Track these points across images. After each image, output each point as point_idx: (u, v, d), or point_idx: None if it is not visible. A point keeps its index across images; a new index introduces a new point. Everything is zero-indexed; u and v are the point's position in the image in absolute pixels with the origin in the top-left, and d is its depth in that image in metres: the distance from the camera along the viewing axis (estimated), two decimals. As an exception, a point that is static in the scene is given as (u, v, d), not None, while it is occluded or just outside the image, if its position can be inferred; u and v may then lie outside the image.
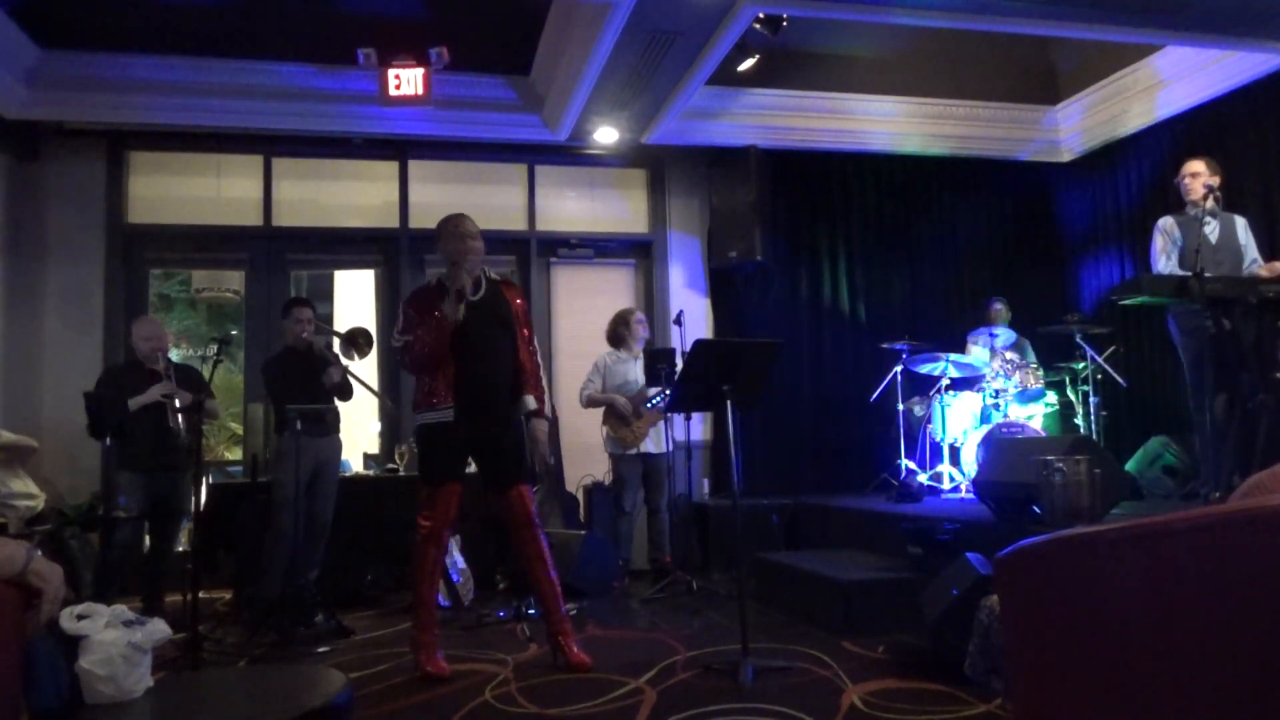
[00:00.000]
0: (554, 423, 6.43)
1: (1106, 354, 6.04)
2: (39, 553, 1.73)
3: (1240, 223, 4.94)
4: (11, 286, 6.09)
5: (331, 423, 5.11)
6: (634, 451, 5.88)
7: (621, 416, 5.86)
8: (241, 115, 6.26)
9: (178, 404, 4.83)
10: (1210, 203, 4.74)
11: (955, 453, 6.30)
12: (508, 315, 3.98)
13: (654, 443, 5.92)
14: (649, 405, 5.84)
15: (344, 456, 6.48)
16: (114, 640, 1.86)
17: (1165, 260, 4.84)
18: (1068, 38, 6.24)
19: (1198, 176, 4.83)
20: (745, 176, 6.91)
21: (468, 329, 3.80)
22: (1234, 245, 4.85)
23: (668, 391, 5.84)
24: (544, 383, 4.09)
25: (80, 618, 1.88)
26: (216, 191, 6.74)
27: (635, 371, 5.96)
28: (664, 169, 7.37)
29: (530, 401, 3.99)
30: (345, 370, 4.95)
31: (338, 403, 5.16)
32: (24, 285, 6.16)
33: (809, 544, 6.01)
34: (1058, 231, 7.78)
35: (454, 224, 4.06)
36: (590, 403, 5.98)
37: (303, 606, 4.70)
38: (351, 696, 1.95)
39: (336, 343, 4.97)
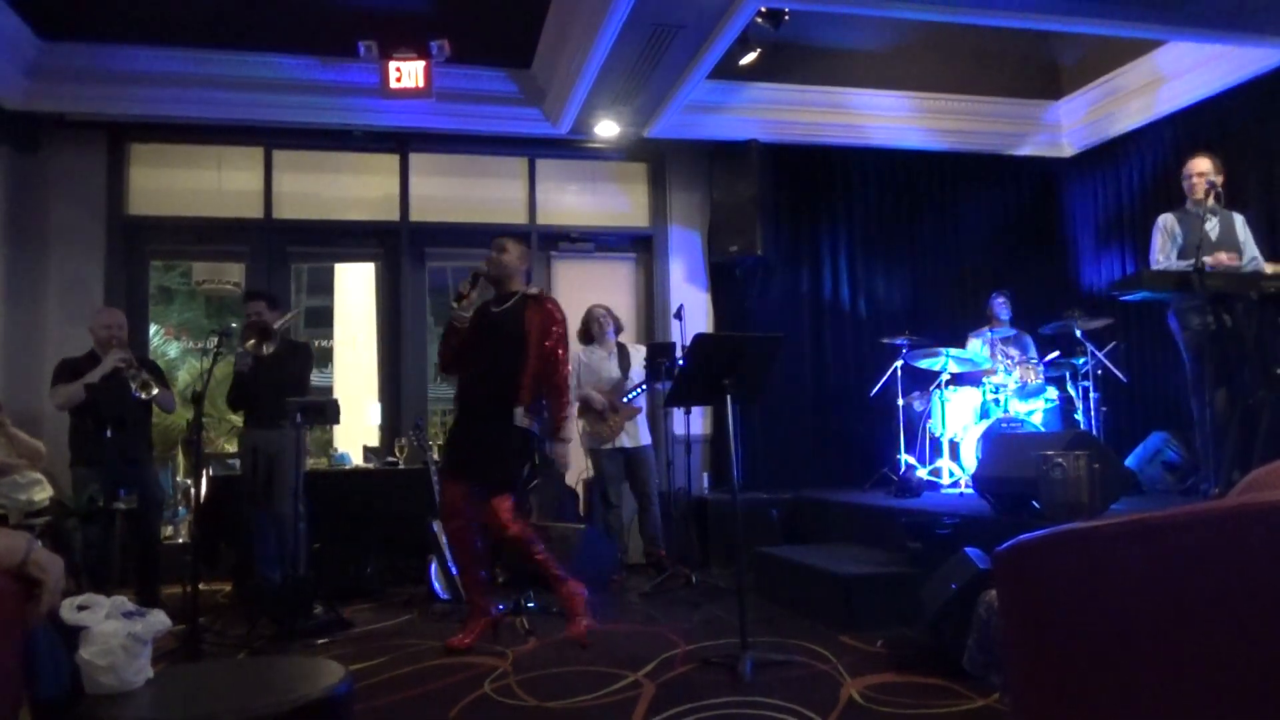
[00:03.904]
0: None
1: (1107, 349, 6.04)
2: (39, 544, 1.74)
3: (1239, 220, 4.94)
4: (12, 278, 6.09)
5: (282, 415, 4.87)
6: (611, 446, 5.89)
7: (598, 411, 5.86)
8: (242, 107, 6.25)
9: (143, 380, 4.79)
10: (1211, 200, 4.74)
11: (955, 448, 6.30)
12: (519, 332, 4.17)
13: (630, 437, 5.92)
14: (627, 399, 5.85)
15: (343, 449, 6.51)
16: (114, 631, 1.87)
17: (1164, 258, 4.84)
18: (1070, 32, 6.23)
19: (1203, 176, 4.83)
20: (746, 170, 6.90)
21: (476, 339, 4.21)
22: (1233, 242, 4.85)
23: (643, 385, 5.86)
24: (561, 403, 4.26)
25: (80, 609, 1.88)
26: (217, 183, 6.74)
27: (608, 366, 5.97)
28: (665, 163, 7.36)
29: (518, 415, 4.12)
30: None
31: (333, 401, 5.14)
32: (25, 277, 6.15)
33: (808, 538, 6.01)
34: (1059, 227, 7.77)
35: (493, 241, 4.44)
36: None
37: (302, 599, 4.71)
38: (351, 688, 1.96)
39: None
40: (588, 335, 6.06)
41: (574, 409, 4.20)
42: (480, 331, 4.24)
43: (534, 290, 4.34)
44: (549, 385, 4.21)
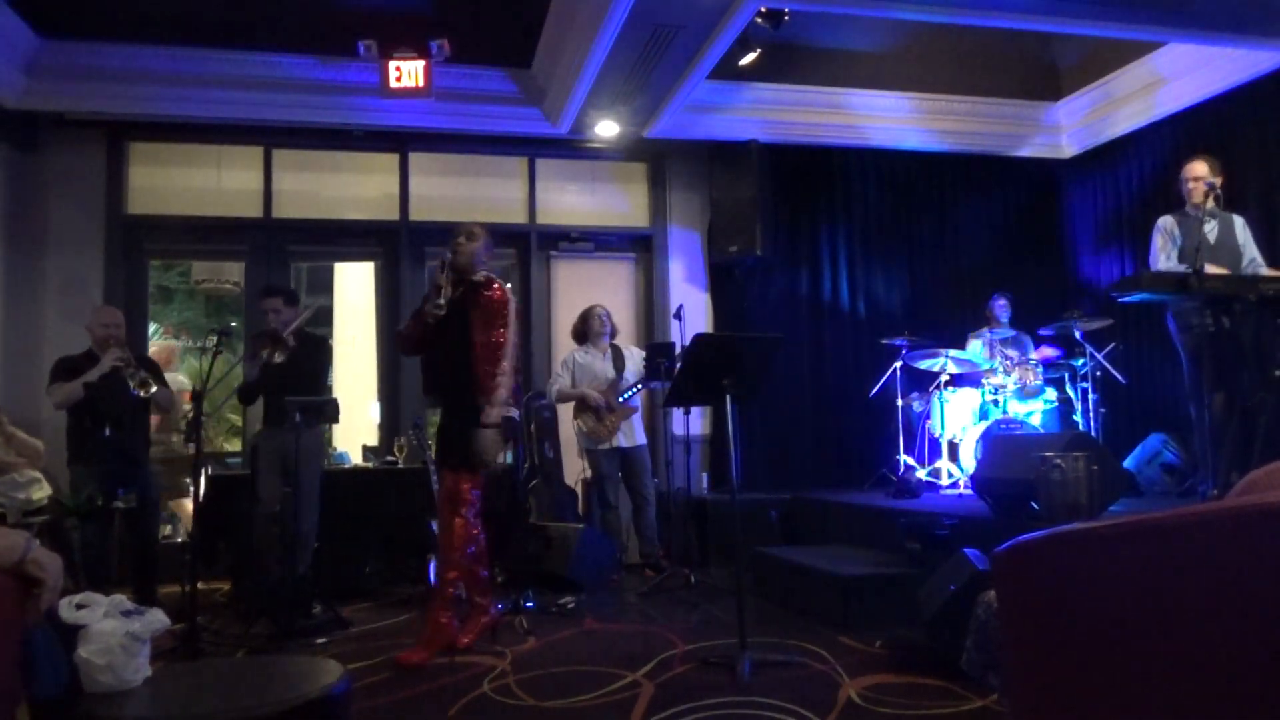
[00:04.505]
0: (553, 416, 6.44)
1: (1106, 351, 6.05)
2: (38, 542, 1.74)
3: (1239, 222, 4.94)
4: (11, 277, 6.08)
5: (302, 413, 4.80)
6: (607, 445, 5.90)
7: (594, 411, 5.87)
8: (242, 106, 6.25)
9: (140, 380, 4.76)
10: (1210, 203, 4.74)
11: (954, 449, 6.30)
12: (463, 321, 4.07)
13: (626, 436, 5.93)
14: (623, 398, 5.86)
15: (342, 448, 6.50)
16: (112, 630, 1.87)
17: (1165, 259, 4.84)
18: (1069, 34, 6.23)
19: (1200, 180, 4.83)
20: (746, 171, 6.90)
21: (440, 328, 4.07)
22: (1233, 245, 4.85)
23: (639, 385, 5.87)
24: (495, 390, 4.01)
25: (79, 607, 1.88)
26: (216, 183, 6.73)
27: (604, 366, 5.98)
28: (665, 163, 7.36)
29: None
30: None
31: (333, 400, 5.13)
32: (24, 276, 6.15)
33: (807, 539, 6.02)
34: (1058, 228, 7.77)
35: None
36: (560, 398, 6.01)
37: (300, 598, 4.70)
38: (350, 687, 1.96)
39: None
40: (583, 334, 6.08)
41: (500, 391, 4.01)
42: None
43: (480, 276, 4.15)
44: (488, 362, 4.03)
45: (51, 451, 5.15)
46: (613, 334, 6.10)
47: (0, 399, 5.49)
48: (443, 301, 4.03)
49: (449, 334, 4.08)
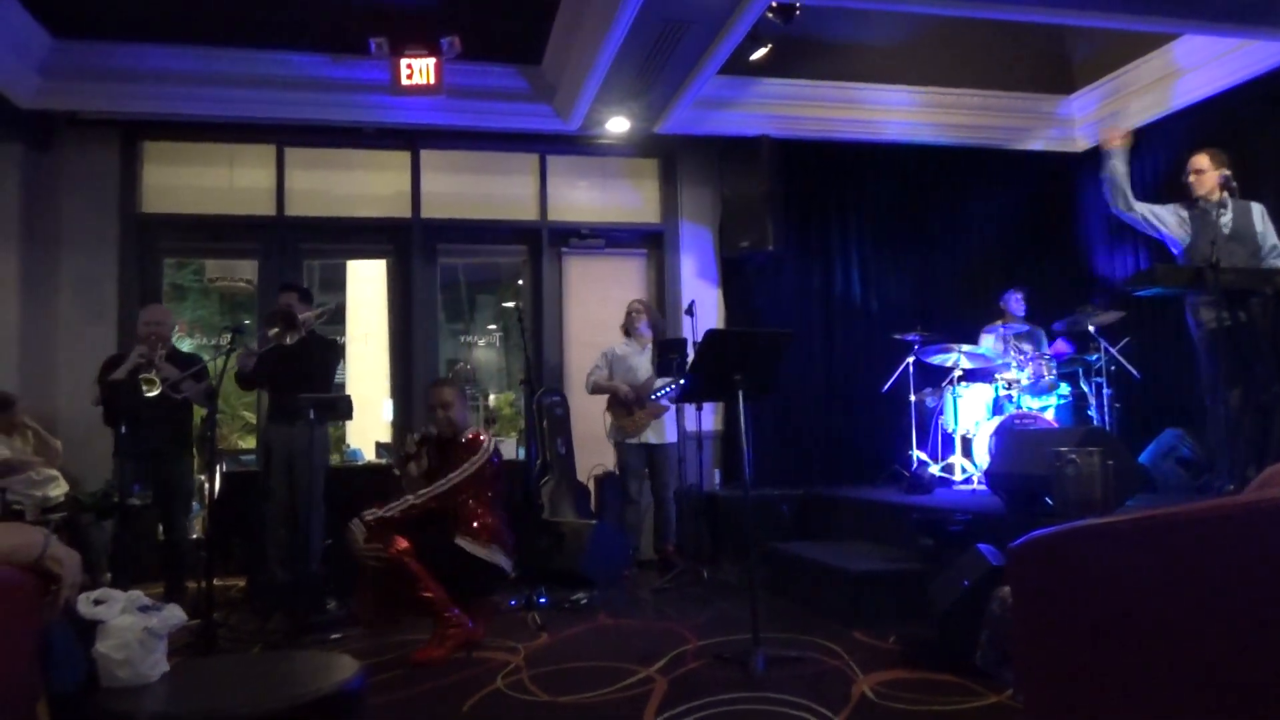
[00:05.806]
0: (565, 414, 6.46)
1: (1120, 345, 6.01)
2: (56, 538, 1.75)
3: (1257, 209, 4.87)
4: (26, 275, 6.12)
5: (315, 410, 4.88)
6: (635, 440, 5.91)
7: (624, 404, 5.89)
8: (254, 105, 6.27)
9: (156, 377, 4.71)
10: (1223, 193, 4.69)
11: (967, 444, 6.27)
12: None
13: (655, 434, 5.94)
14: (654, 397, 5.86)
15: (355, 445, 6.53)
16: (130, 625, 1.88)
17: (1148, 212, 4.88)
18: (1083, 26, 6.19)
19: (1202, 174, 4.79)
20: (757, 166, 6.89)
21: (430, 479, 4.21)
22: (1250, 233, 4.79)
23: (673, 385, 5.87)
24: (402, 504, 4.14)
25: (97, 603, 1.90)
26: (229, 181, 6.76)
27: (640, 362, 5.99)
28: (675, 159, 7.35)
29: (493, 551, 4.13)
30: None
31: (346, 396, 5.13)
32: (38, 274, 6.19)
33: (819, 535, 6.01)
34: (1072, 221, 7.72)
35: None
36: (595, 389, 6.03)
37: (314, 594, 4.73)
38: (364, 682, 1.97)
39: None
40: (627, 329, 6.13)
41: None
42: (430, 474, 4.24)
43: (465, 437, 4.22)
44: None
45: (74, 447, 5.18)
46: (654, 329, 6.12)
47: (18, 395, 5.52)
48: (411, 468, 4.26)
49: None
